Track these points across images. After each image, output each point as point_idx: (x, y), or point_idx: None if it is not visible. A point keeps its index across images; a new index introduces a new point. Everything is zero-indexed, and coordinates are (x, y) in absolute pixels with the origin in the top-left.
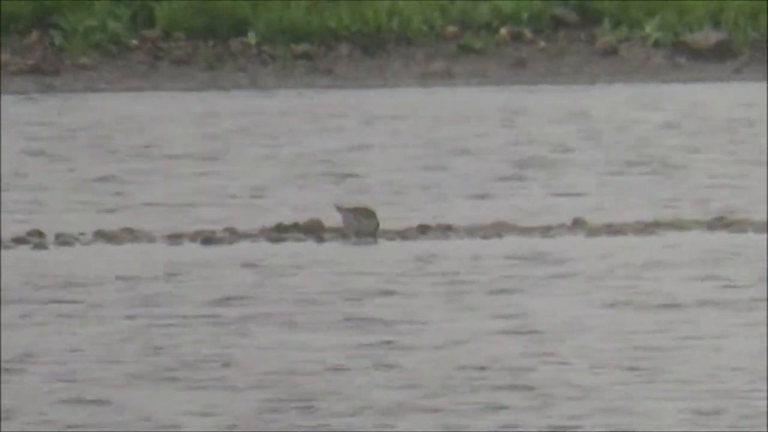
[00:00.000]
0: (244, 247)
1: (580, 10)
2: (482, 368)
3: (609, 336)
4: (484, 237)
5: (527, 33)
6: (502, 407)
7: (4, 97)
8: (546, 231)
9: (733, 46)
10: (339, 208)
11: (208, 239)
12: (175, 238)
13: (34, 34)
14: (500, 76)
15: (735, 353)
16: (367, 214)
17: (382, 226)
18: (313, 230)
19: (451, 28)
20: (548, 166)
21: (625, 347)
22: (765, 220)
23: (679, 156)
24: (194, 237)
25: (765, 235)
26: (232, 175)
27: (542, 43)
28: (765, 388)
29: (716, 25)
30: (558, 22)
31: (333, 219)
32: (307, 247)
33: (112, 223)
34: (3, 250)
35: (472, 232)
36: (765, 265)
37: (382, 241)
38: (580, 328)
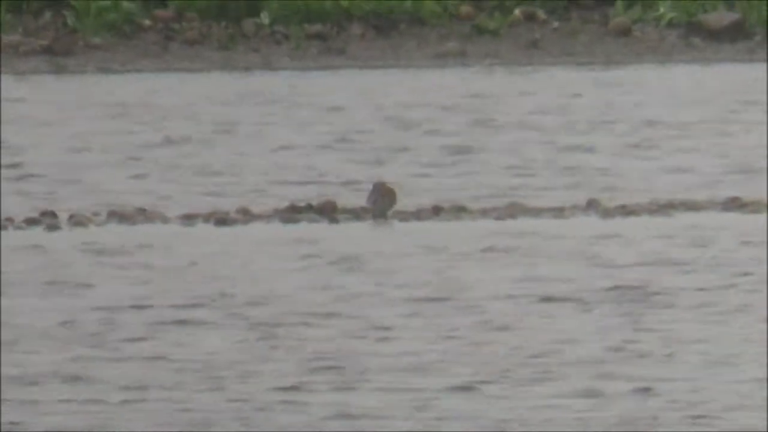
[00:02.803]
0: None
1: None
2: None
3: None
4: (498, 218)
5: (541, 13)
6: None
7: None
8: (560, 212)
9: (747, 27)
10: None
11: (221, 220)
12: (188, 219)
13: (47, 15)
14: (514, 57)
15: None
16: (385, 192)
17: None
18: (327, 211)
19: (465, 9)
20: None
21: None
22: None
23: None
24: (208, 218)
25: None
26: None
27: (555, 24)
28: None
29: (730, 5)
30: (571, 3)
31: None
32: (322, 228)
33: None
34: (15, 231)
35: (486, 213)
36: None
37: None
38: None
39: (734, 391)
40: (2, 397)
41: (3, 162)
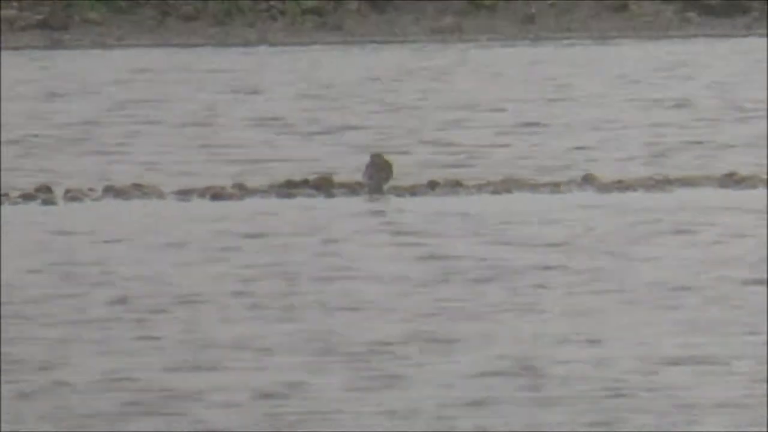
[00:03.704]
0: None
1: None
2: None
3: None
4: (494, 192)
5: None
6: None
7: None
8: (556, 187)
9: (744, 2)
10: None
11: (217, 195)
12: (184, 194)
13: None
14: (510, 32)
15: None
16: (381, 166)
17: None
18: (324, 186)
19: None
20: None
21: None
22: None
23: None
24: (203, 193)
25: None
26: None
27: None
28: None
29: None
30: None
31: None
32: (318, 202)
33: None
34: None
35: (481, 188)
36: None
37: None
38: None
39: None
40: None
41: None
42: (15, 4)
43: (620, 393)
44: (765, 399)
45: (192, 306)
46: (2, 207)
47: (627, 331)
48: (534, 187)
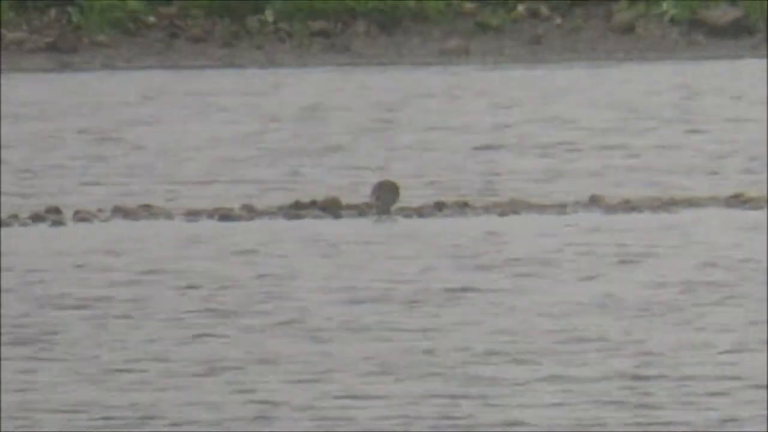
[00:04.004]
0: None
1: None
2: None
3: None
4: (501, 214)
5: (544, 10)
6: None
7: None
8: (562, 208)
9: (750, 23)
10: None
11: (225, 216)
12: (192, 215)
13: (52, 12)
14: (517, 54)
15: None
16: (389, 188)
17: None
18: (331, 208)
19: (468, 5)
20: None
21: None
22: None
23: None
24: (212, 214)
25: None
26: None
27: (558, 20)
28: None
29: (732, 1)
30: None
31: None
32: (326, 224)
33: None
34: (22, 228)
35: (488, 209)
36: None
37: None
38: None
39: None
40: None
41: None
42: (25, 27)
43: None
44: None
45: None
46: (12, 228)
47: None
48: (541, 209)
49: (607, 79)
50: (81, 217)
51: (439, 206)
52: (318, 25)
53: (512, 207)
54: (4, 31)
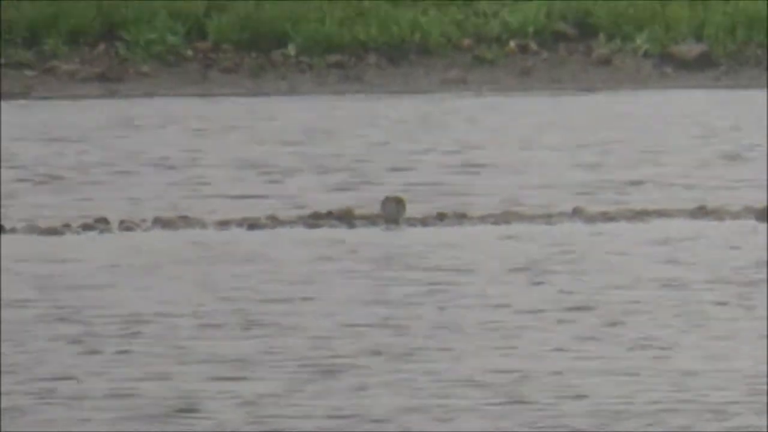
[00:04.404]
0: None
1: (578, 24)
2: None
3: None
4: (495, 223)
5: (532, 45)
6: None
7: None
8: (548, 218)
9: (713, 57)
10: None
11: (253, 225)
12: (223, 224)
13: (101, 46)
14: (509, 83)
15: None
16: (398, 201)
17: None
18: (346, 218)
19: (467, 41)
20: None
21: None
22: None
23: None
24: (240, 223)
25: None
26: None
27: (545, 54)
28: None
29: (698, 38)
30: (559, 36)
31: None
32: (341, 232)
33: None
34: (71, 235)
35: (484, 219)
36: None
37: (405, 227)
38: None
39: None
40: None
41: None
42: (77, 59)
43: None
44: None
45: None
46: (66, 236)
47: None
48: (531, 219)
49: (584, 105)
50: (126, 226)
51: (441, 216)
52: (334, 58)
53: (504, 218)
54: (59, 62)
